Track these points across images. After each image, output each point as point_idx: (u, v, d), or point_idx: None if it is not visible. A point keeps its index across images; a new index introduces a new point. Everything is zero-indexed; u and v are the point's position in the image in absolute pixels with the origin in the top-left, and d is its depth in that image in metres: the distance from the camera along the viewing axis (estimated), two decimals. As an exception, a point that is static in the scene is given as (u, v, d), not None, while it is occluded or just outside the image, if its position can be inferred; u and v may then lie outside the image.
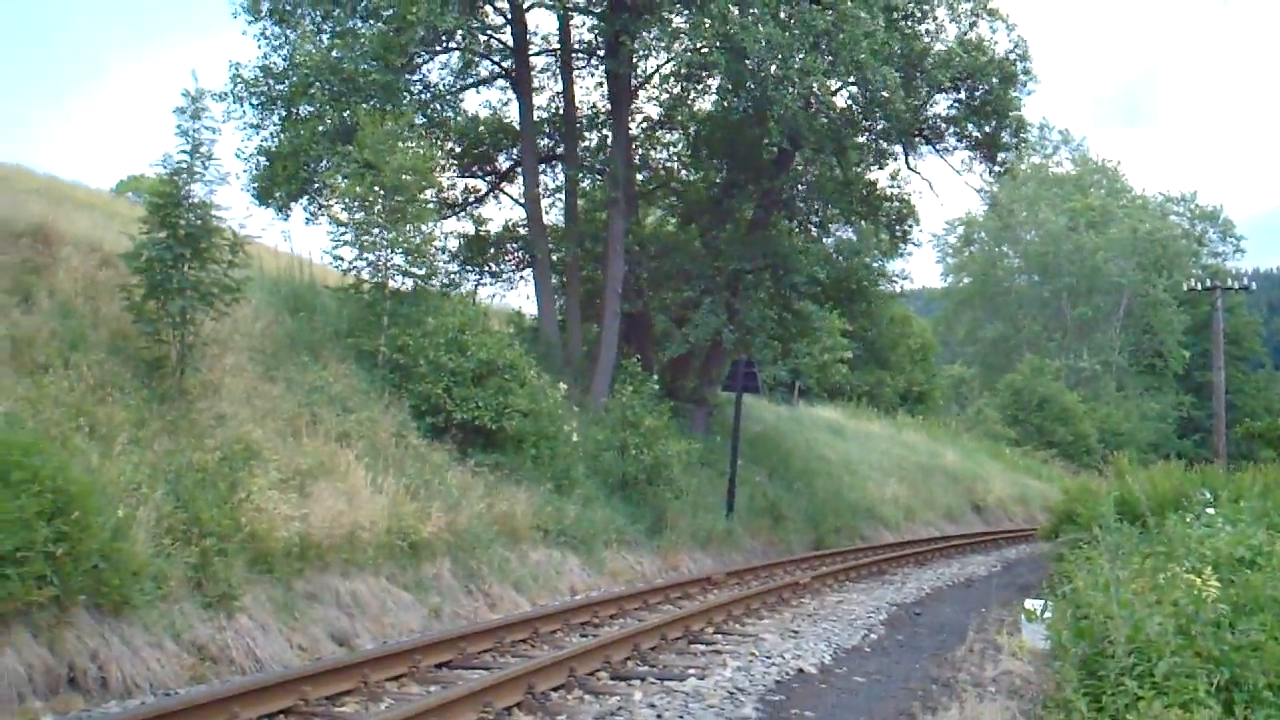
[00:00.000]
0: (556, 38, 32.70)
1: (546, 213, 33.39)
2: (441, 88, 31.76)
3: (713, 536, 27.64)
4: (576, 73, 33.58)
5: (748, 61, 26.84)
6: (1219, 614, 9.96)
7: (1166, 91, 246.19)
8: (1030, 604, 14.31)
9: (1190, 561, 12.14)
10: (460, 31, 28.08)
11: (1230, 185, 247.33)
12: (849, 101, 31.99)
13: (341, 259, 22.36)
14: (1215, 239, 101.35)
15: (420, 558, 17.34)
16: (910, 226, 37.05)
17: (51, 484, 11.05)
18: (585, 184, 35.01)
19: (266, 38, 28.14)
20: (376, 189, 21.75)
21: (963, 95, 33.20)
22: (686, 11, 27.77)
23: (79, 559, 11.09)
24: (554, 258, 32.21)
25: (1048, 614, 12.81)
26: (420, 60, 29.73)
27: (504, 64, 31.88)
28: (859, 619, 19.86)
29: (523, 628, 15.63)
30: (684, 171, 37.92)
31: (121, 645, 11.44)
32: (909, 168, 35.56)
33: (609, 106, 33.30)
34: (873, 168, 36.32)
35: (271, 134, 27.99)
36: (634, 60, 31.67)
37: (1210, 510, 17.60)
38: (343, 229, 22.25)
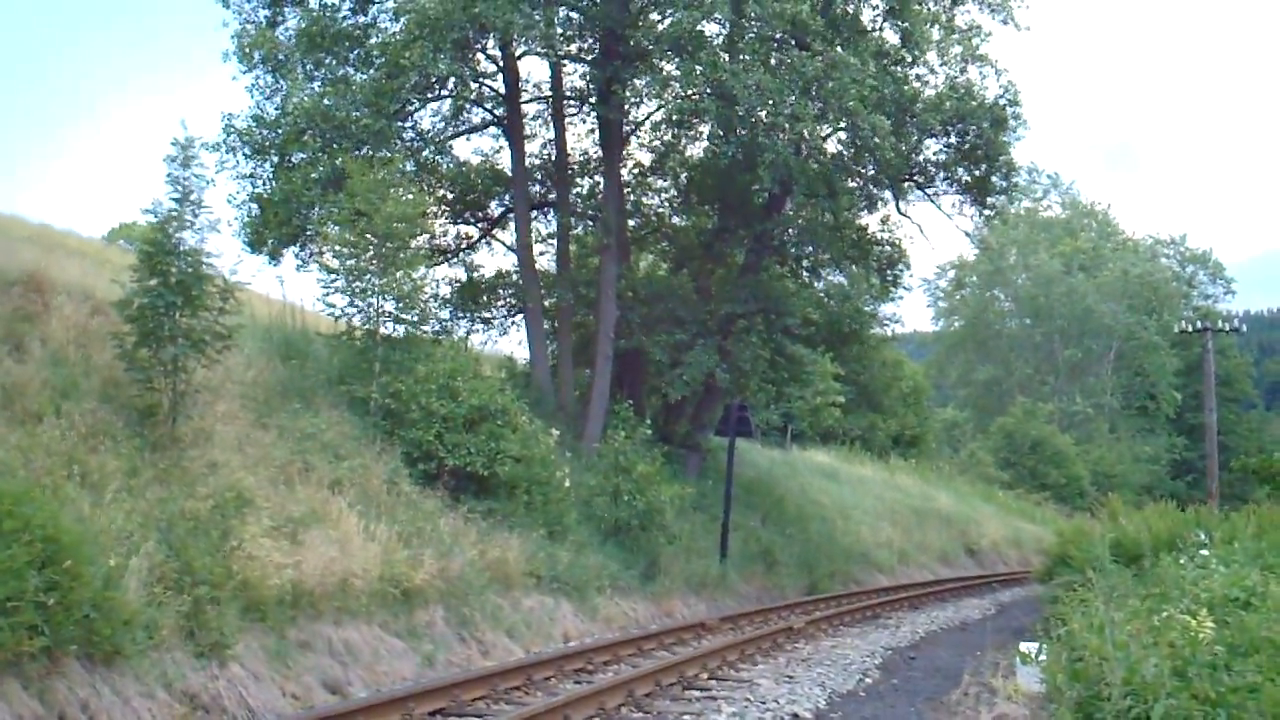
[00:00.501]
0: (548, 85, 32.87)
1: (538, 259, 33.45)
2: (433, 134, 31.91)
3: (706, 582, 27.56)
4: (568, 119, 33.72)
5: (738, 108, 27.00)
6: (1215, 656, 9.94)
7: (1156, 139, 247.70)
8: (1025, 647, 14.30)
9: (1185, 603, 12.13)
10: (452, 78, 28.18)
11: (1220, 232, 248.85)
12: (840, 147, 32.15)
13: (333, 306, 22.37)
14: (1205, 281, 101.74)
15: (413, 605, 17.27)
16: (901, 270, 37.13)
17: (42, 533, 10.99)
18: (577, 230, 35.09)
19: (259, 87, 28.30)
20: (368, 236, 21.78)
21: (953, 139, 33.36)
22: (677, 59, 27.91)
23: (70, 608, 11.02)
24: (546, 303, 32.25)
25: (1043, 657, 12.79)
26: (412, 107, 29.87)
27: (496, 111, 32.00)
28: (854, 663, 19.80)
29: (517, 675, 15.56)
30: (675, 217, 38.05)
31: (112, 695, 11.36)
32: (899, 212, 35.73)
33: (600, 153, 33.45)
34: (863, 212, 36.46)
35: (264, 181, 28.10)
36: (625, 107, 31.81)
37: (1205, 551, 17.60)
38: (334, 276, 22.24)
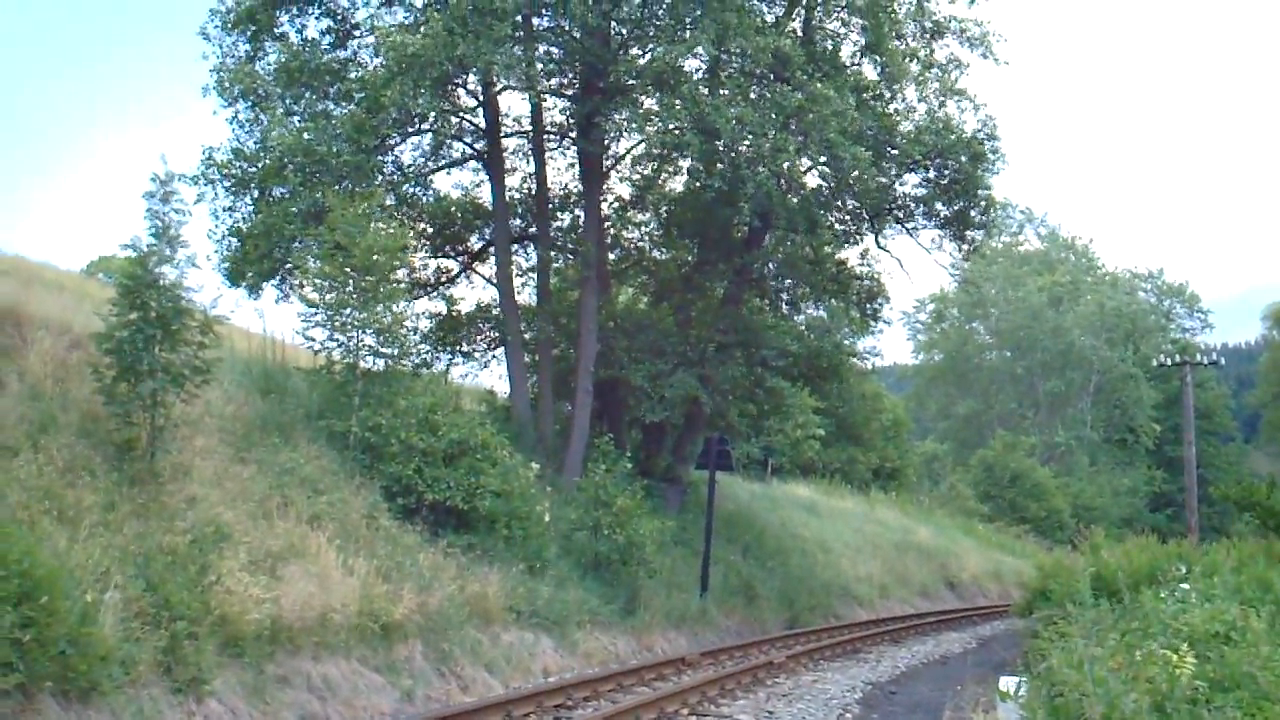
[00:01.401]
0: (529, 119, 32.87)
1: (519, 292, 33.42)
2: (414, 169, 31.91)
3: (687, 616, 27.50)
4: (549, 154, 33.75)
5: (719, 142, 27.08)
6: (1195, 691, 9.94)
7: (1136, 176, 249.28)
8: (1005, 682, 14.28)
9: (1165, 638, 12.13)
10: (433, 113, 28.23)
11: (1201, 270, 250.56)
12: (820, 180, 32.26)
13: (313, 340, 22.32)
14: (1182, 314, 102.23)
15: (392, 640, 17.20)
16: (880, 304, 37.25)
17: (18, 568, 10.93)
18: (558, 263, 35.11)
19: (239, 122, 28.30)
20: (348, 270, 21.75)
21: (931, 174, 33.43)
22: (658, 94, 28.00)
23: (46, 644, 10.95)
24: (526, 337, 32.22)
25: (1023, 692, 12.78)
26: (393, 142, 29.87)
27: (476, 145, 32.04)
28: (834, 698, 19.78)
29: (496, 710, 15.51)
30: (656, 250, 38.11)
31: (88, 732, 11.29)
32: (879, 246, 35.79)
33: (581, 187, 33.49)
34: (843, 246, 36.55)
35: (244, 215, 28.08)
36: (606, 141, 31.89)
37: (1185, 585, 17.63)
38: (314, 309, 22.19)
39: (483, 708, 15.47)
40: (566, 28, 29.33)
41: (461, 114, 31.17)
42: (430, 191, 33.28)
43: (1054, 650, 13.18)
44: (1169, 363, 54.58)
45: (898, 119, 32.23)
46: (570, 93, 31.59)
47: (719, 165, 28.88)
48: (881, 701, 20.12)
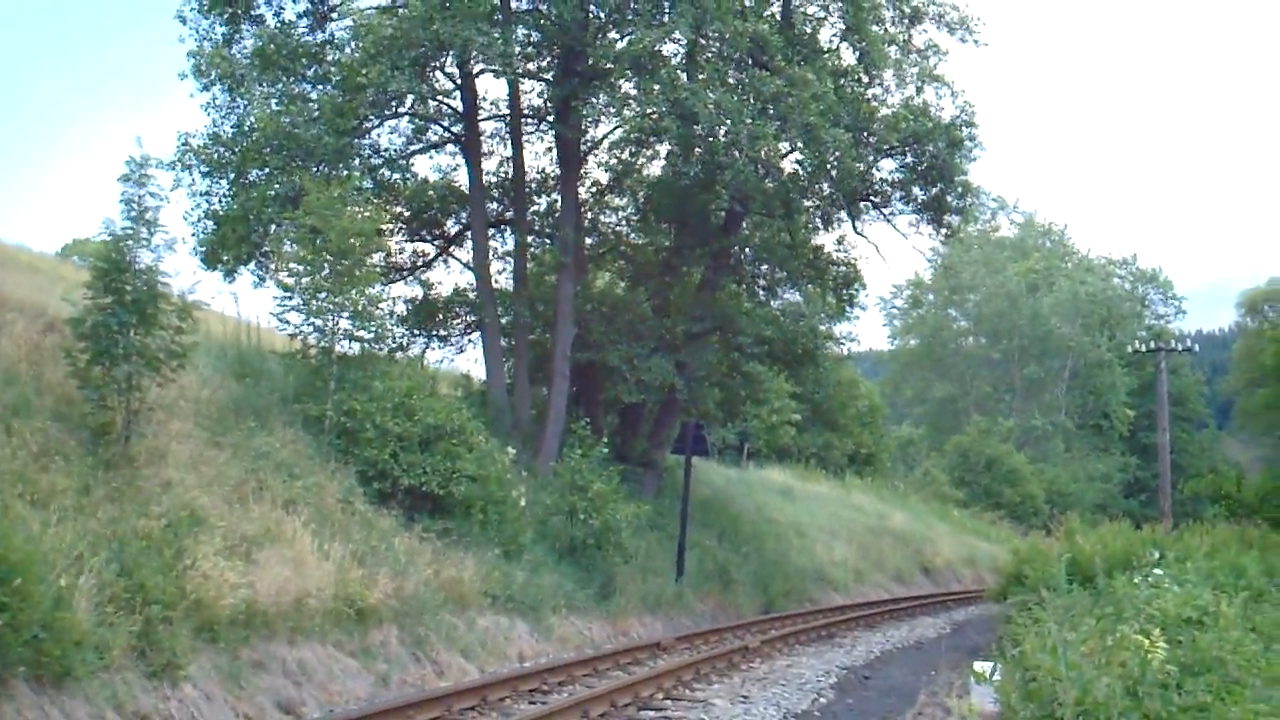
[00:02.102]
0: (506, 103, 32.78)
1: (495, 277, 33.38)
2: (391, 152, 31.80)
3: (662, 601, 27.54)
4: (526, 138, 33.66)
5: (697, 127, 27.06)
6: (1166, 675, 10.01)
7: (1111, 165, 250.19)
8: (979, 666, 14.34)
9: (1138, 622, 12.21)
10: (410, 96, 28.14)
11: (1172, 258, 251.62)
12: (797, 165, 32.26)
13: (288, 323, 22.24)
14: (1156, 300, 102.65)
15: (367, 625, 17.19)
16: (857, 290, 37.28)
17: (-8, 553, 10.89)
18: (535, 248, 35.06)
19: (216, 106, 28.16)
20: (323, 254, 21.68)
21: (909, 159, 33.45)
22: (636, 78, 27.96)
23: (19, 629, 10.91)
24: (503, 321, 32.19)
25: (997, 676, 12.84)
26: (370, 125, 29.76)
27: (454, 129, 31.93)
28: (809, 683, 19.83)
29: (471, 695, 15.53)
30: (633, 235, 38.08)
31: (62, 717, 11.25)
32: (856, 232, 35.79)
33: (558, 171, 33.43)
34: (820, 232, 36.58)
35: (220, 199, 27.97)
36: (584, 126, 31.83)
37: (1158, 571, 17.74)
38: (289, 293, 22.11)
39: (458, 692, 15.48)
40: (545, 10, 29.28)
41: (439, 97, 31.07)
42: (408, 175, 33.18)
43: (1028, 635, 13.24)
44: (1143, 349, 54.89)
45: (875, 104, 32.24)
46: (548, 76, 31.52)
47: (697, 150, 28.88)
48: (856, 686, 20.19)
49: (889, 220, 35.38)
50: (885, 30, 32.08)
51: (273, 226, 25.99)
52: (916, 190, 34.25)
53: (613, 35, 29.61)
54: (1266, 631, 13.20)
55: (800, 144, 29.15)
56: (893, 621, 34.09)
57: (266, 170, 26.64)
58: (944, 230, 35.46)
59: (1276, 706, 9.43)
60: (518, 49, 28.43)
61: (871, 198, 34.89)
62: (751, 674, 20.75)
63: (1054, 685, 10.22)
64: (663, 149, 34.65)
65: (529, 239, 33.31)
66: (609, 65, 27.87)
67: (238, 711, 13.52)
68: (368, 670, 16.41)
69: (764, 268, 36.55)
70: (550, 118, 32.61)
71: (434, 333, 35.14)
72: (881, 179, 34.56)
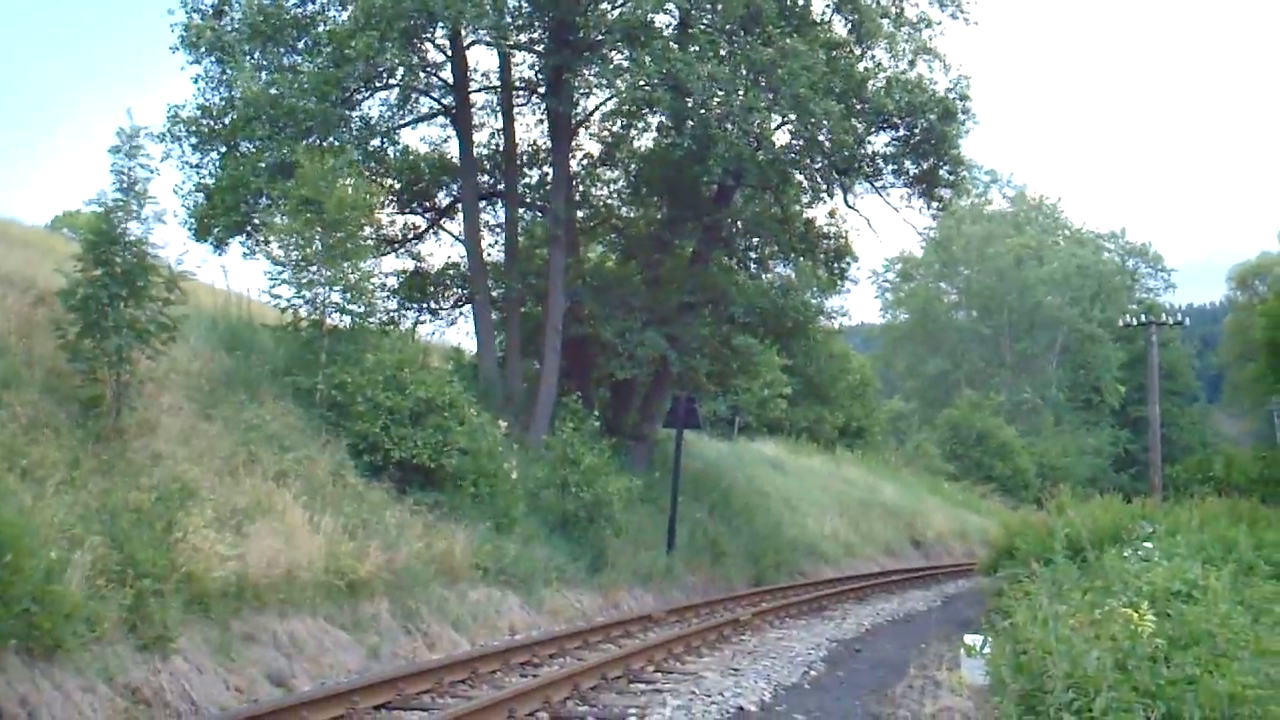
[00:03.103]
0: (497, 75, 32.72)
1: (487, 249, 33.35)
2: (381, 124, 31.70)
3: (653, 573, 27.57)
4: (517, 110, 33.60)
5: (689, 99, 27.00)
6: (1155, 648, 10.03)
7: (1102, 139, 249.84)
8: (970, 639, 14.38)
9: (1128, 596, 12.24)
10: (400, 67, 28.04)
11: (1164, 233, 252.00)
12: (790, 136, 32.19)
13: (279, 296, 22.18)
14: (1147, 273, 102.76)
15: (358, 597, 17.19)
16: (848, 263, 37.27)
17: (-18, 526, 10.86)
18: (526, 221, 35.00)
19: (206, 77, 28.08)
20: (315, 226, 21.61)
21: (901, 132, 33.34)
22: (628, 49, 27.87)
23: (10, 602, 10.89)
24: (494, 294, 32.14)
25: (987, 649, 12.88)
26: (360, 96, 29.64)
27: (444, 100, 31.87)
28: (799, 656, 19.87)
29: (462, 668, 15.54)
30: (625, 208, 38.03)
31: (53, 689, 11.24)
32: (847, 205, 35.73)
33: (550, 144, 33.38)
34: (811, 205, 36.52)
35: (210, 170, 27.89)
36: (575, 98, 31.75)
37: (1148, 545, 17.78)
38: (280, 266, 22.05)
39: (449, 665, 15.50)
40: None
41: (429, 68, 30.96)
42: (398, 147, 33.13)
43: (1018, 608, 13.27)
44: (1134, 323, 54.92)
45: (867, 76, 32.12)
46: (539, 48, 31.41)
47: (689, 122, 28.79)
48: (847, 658, 20.24)
49: (881, 194, 35.26)
50: (878, 2, 31.97)
51: (262, 198, 25.90)
52: (909, 164, 34.13)
53: (604, 6, 29.50)
54: (1255, 605, 13.23)
55: (792, 115, 29.07)
56: (883, 594, 34.16)
57: (256, 141, 26.55)
58: (936, 204, 35.38)
59: (1265, 679, 9.46)
60: (509, 19, 28.32)
61: (864, 169, 34.76)
62: (742, 647, 20.79)
63: (1044, 658, 10.25)
64: (654, 121, 34.61)
65: (520, 212, 33.25)
66: (600, 36, 27.81)
67: (228, 684, 13.52)
68: (359, 643, 16.42)
69: (755, 241, 36.48)
70: (541, 90, 32.52)
71: (425, 306, 35.13)
72: (874, 152, 34.43)
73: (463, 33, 28.81)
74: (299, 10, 28.66)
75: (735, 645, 20.95)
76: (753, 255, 37.03)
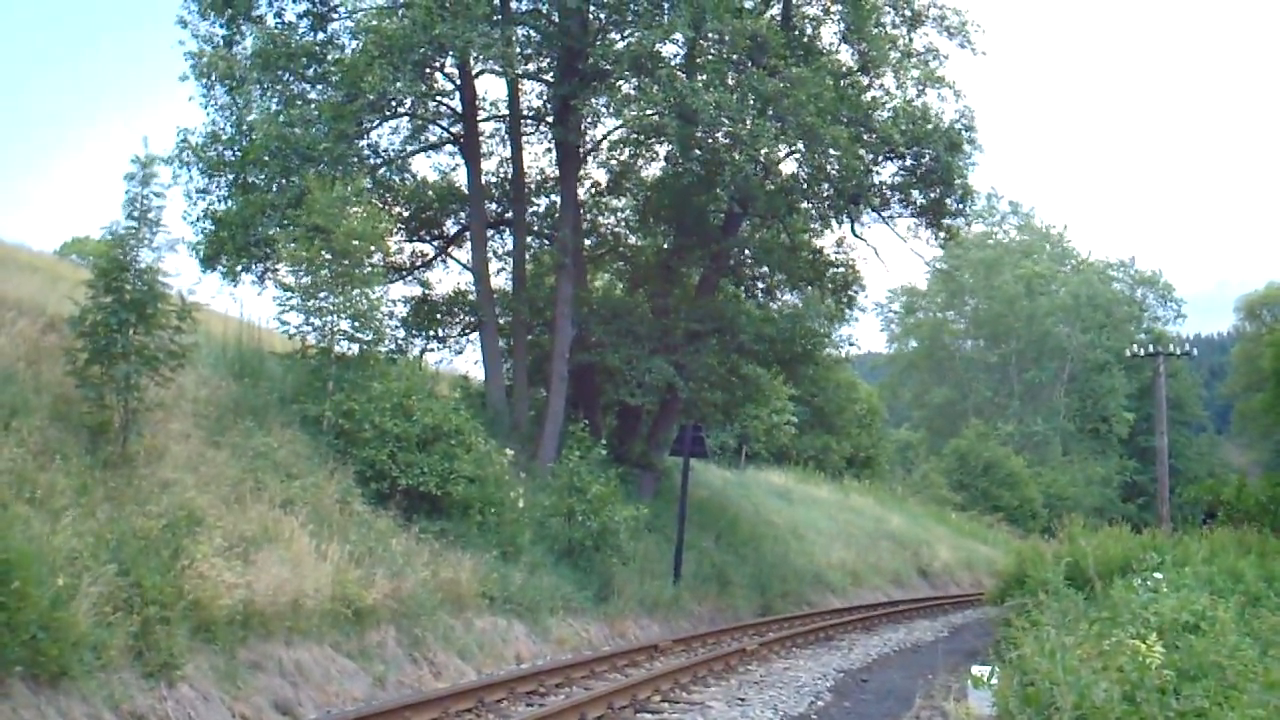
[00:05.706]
0: (505, 104, 32.82)
1: (494, 277, 33.42)
2: (390, 153, 31.80)
3: (660, 603, 27.51)
4: (525, 138, 33.69)
5: (697, 127, 27.08)
6: (1164, 680, 10.00)
7: (1111, 170, 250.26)
8: (977, 670, 14.33)
9: (1135, 627, 12.20)
10: (410, 97, 28.14)
11: (1172, 263, 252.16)
12: (797, 166, 32.26)
13: (288, 324, 22.24)
14: (1155, 303, 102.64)
15: (365, 625, 17.17)
16: (855, 292, 37.26)
17: (-10, 552, 10.88)
18: (534, 249, 35.08)
19: (216, 105, 28.16)
20: (324, 254, 21.67)
21: (908, 162, 33.38)
22: (636, 78, 27.98)
23: (16, 629, 10.90)
24: (501, 322, 32.17)
25: (994, 680, 12.83)
26: (370, 125, 29.74)
27: (453, 129, 31.96)
28: (806, 686, 19.82)
29: (468, 697, 15.51)
30: (632, 236, 38.09)
31: (58, 716, 11.24)
32: (854, 234, 35.78)
33: (557, 172, 33.45)
34: (818, 234, 36.54)
35: (219, 198, 27.96)
36: (583, 127, 31.85)
37: (1157, 575, 17.74)
38: (290, 294, 22.11)
39: (455, 694, 15.47)
40: (544, 11, 29.29)
41: (439, 98, 31.08)
42: (406, 175, 33.19)
43: (1026, 639, 13.24)
44: (1142, 353, 54.87)
45: (874, 107, 32.17)
46: (548, 77, 31.52)
47: (697, 150, 28.87)
48: (853, 689, 20.18)
49: (888, 223, 35.28)
50: (885, 32, 32.06)
51: (272, 229, 25.91)
52: (916, 194, 34.18)
53: (612, 35, 29.65)
54: (1263, 636, 13.21)
55: (800, 143, 29.15)
56: (890, 625, 34.05)
57: (266, 174, 26.64)
58: (943, 234, 35.40)
59: (1273, 711, 9.43)
60: (518, 49, 28.43)
61: (871, 199, 34.81)
62: (748, 677, 20.74)
63: (1051, 689, 10.22)
64: (662, 150, 34.67)
65: (528, 240, 33.32)
66: (609, 65, 27.90)
67: (234, 712, 13.51)
68: (365, 671, 16.40)
69: (763, 269, 36.51)
70: (550, 118, 32.62)
71: (433, 333, 35.16)
72: (881, 181, 34.47)
73: (471, 62, 28.91)
74: (310, 38, 28.76)
75: (742, 675, 20.90)
76: (760, 284, 37.04)
